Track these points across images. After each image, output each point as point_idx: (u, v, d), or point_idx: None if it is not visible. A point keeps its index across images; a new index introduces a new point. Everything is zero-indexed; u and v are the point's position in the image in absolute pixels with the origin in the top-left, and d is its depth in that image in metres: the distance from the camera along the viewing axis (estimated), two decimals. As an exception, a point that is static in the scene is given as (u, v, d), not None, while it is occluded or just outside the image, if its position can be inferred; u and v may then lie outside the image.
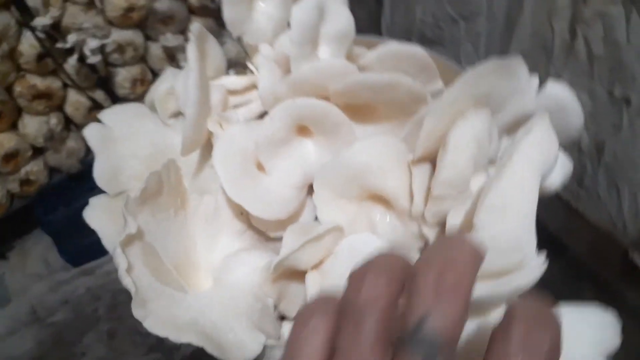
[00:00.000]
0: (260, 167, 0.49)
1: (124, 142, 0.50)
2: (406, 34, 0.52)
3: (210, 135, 0.50)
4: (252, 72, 0.55)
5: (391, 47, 0.51)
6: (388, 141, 0.44)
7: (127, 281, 0.36)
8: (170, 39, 0.90)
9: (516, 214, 0.38)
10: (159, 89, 0.53)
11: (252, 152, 0.48)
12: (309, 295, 0.43)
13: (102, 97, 0.91)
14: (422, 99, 0.47)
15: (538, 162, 0.40)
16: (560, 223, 0.93)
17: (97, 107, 0.90)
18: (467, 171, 0.42)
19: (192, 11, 0.96)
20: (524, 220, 0.39)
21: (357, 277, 0.24)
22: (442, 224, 0.44)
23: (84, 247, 1.00)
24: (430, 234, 0.44)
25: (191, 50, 0.45)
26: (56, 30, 0.80)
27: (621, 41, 0.66)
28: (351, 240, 0.43)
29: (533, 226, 0.39)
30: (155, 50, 0.93)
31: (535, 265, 0.39)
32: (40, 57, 0.83)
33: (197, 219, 0.49)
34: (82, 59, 0.82)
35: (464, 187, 0.42)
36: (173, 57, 0.91)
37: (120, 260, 0.37)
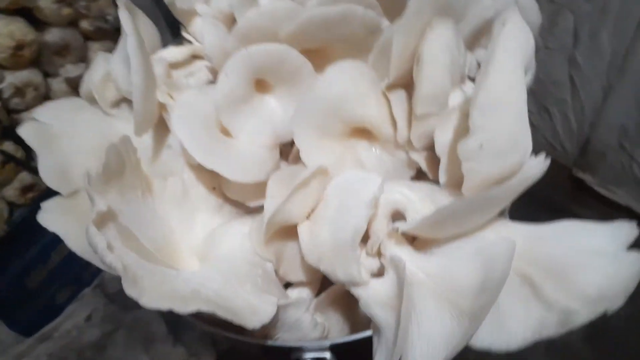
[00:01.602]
0: (225, 131, 0.45)
1: (66, 138, 0.45)
2: None
3: (162, 111, 0.46)
4: (190, 42, 0.51)
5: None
6: (357, 65, 0.41)
7: (110, 259, 0.31)
8: (70, 70, 0.83)
9: (509, 109, 0.36)
10: (93, 78, 0.49)
11: (213, 116, 0.44)
12: (304, 247, 0.39)
13: (13, 148, 0.81)
14: (377, 28, 0.45)
15: (519, 53, 0.38)
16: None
17: (9, 159, 0.81)
18: (446, 82, 0.40)
19: (88, 37, 0.90)
20: (518, 115, 0.37)
21: None
22: (429, 147, 0.42)
23: (33, 314, 0.89)
24: (420, 159, 0.42)
25: (123, 15, 0.41)
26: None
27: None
28: (340, 181, 0.40)
29: (527, 121, 0.38)
30: (57, 85, 0.85)
31: (535, 162, 0.38)
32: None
33: (165, 204, 0.45)
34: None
35: (445, 100, 0.40)
36: (78, 88, 0.85)
37: (98, 240, 0.32)
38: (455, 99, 0.41)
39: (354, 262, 0.36)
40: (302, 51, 0.45)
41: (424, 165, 0.41)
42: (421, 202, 0.38)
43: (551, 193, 0.89)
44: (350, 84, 0.40)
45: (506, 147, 0.35)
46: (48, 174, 0.42)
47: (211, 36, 0.44)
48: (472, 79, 0.45)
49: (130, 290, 0.31)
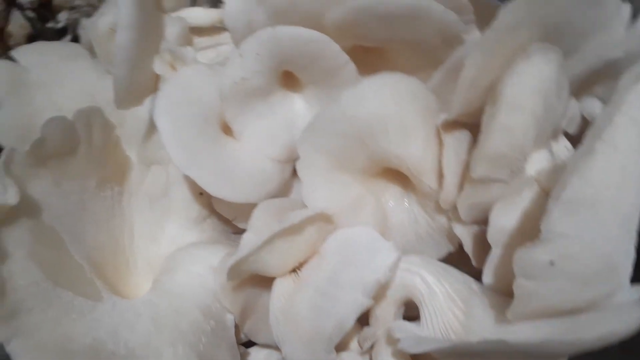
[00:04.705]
0: (227, 129, 0.35)
1: (44, 89, 0.37)
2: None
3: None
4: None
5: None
6: (411, 84, 0.29)
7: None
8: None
9: (612, 216, 0.23)
10: (98, 25, 0.40)
11: (216, 106, 0.34)
12: (272, 311, 0.29)
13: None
14: (456, 38, 0.33)
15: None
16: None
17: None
18: (527, 140, 0.28)
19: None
20: (623, 225, 0.24)
21: None
22: (481, 221, 0.30)
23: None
24: (465, 235, 0.30)
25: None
26: (47, 9, 0.68)
27: None
28: (342, 238, 0.29)
29: (634, 236, 0.24)
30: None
31: (629, 302, 0.24)
32: (30, 39, 0.71)
33: (139, 199, 0.36)
34: (76, 39, 0.69)
35: (518, 164, 0.28)
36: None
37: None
38: (537, 163, 0.29)
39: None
40: (352, 47, 0.34)
41: (468, 246, 0.29)
42: (446, 301, 0.26)
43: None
44: (391, 105, 0.29)
45: (591, 272, 0.22)
46: (5, 127, 0.34)
47: (235, 3, 0.33)
48: (570, 137, 0.32)
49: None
